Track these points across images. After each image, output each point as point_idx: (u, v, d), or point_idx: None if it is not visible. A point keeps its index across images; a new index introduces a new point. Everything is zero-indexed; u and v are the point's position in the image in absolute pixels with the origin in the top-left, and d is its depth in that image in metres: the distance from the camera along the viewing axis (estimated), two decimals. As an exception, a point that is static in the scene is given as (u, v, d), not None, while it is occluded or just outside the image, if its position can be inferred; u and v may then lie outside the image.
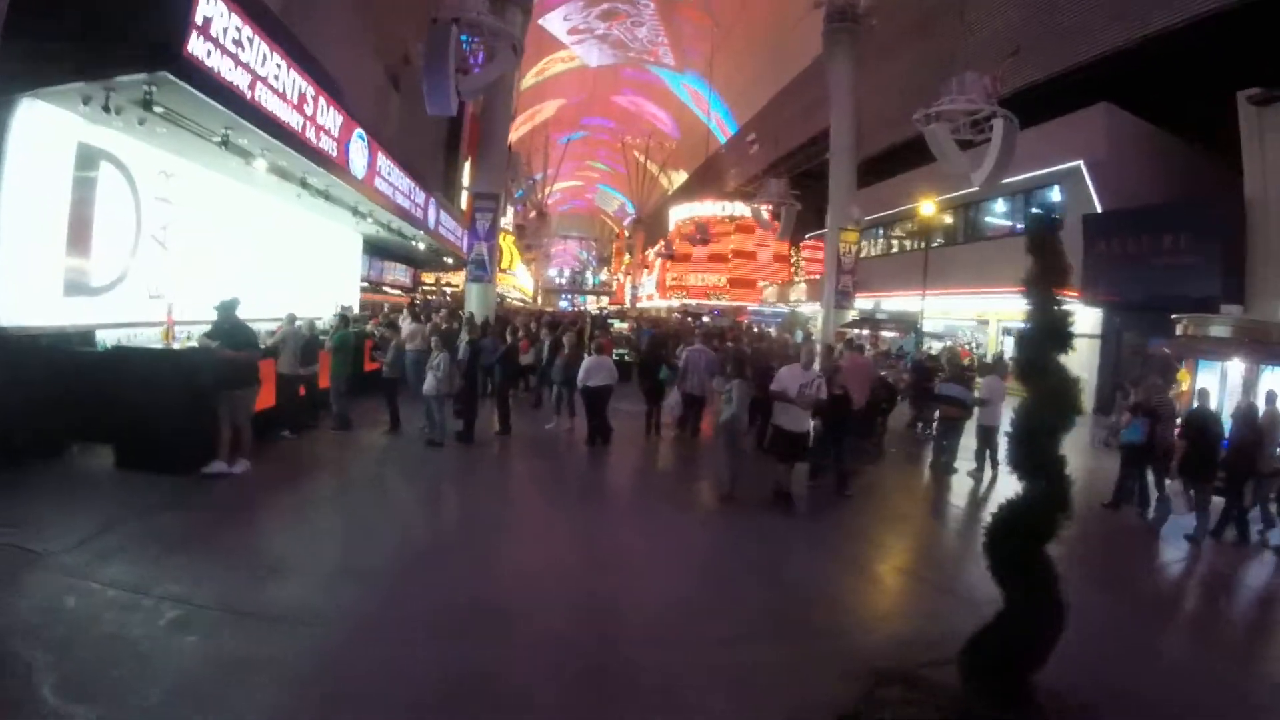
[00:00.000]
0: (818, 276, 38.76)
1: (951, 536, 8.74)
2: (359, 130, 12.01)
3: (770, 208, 32.10)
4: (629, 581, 6.26)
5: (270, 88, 8.76)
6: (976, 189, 24.76)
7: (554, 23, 48.21)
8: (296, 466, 9.24)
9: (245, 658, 4.27)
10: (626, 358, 17.44)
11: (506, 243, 50.73)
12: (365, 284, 22.66)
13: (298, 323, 10.80)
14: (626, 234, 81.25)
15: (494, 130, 23.46)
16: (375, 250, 22.18)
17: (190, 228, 10.68)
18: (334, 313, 13.33)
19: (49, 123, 7.72)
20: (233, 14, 7.65)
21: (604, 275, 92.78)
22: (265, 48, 8.50)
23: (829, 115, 27.52)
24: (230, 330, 8.21)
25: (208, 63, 7.30)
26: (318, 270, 16.59)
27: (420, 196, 17.17)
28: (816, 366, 8.73)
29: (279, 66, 8.93)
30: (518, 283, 59.74)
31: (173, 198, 10.22)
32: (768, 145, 46.42)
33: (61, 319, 8.23)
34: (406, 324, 14.43)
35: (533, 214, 59.66)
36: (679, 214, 58.35)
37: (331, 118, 10.78)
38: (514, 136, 52.34)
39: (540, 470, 10.23)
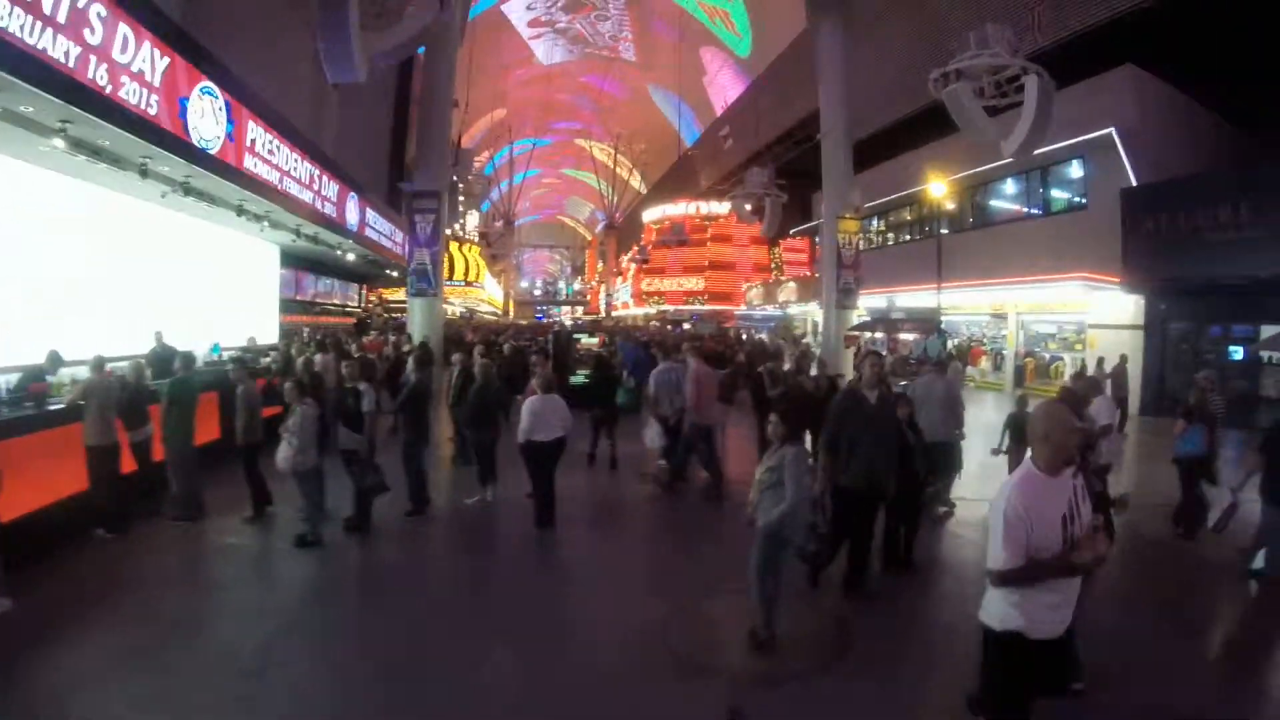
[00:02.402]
0: (807, 275, 35.81)
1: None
2: (205, 84, 8.75)
3: (752, 203, 29.23)
4: None
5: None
6: (984, 168, 22.37)
7: (516, 11, 45.06)
8: (83, 596, 5.90)
9: None
10: (585, 379, 13.29)
11: (470, 253, 47.54)
12: (305, 304, 19.36)
13: (113, 367, 7.55)
14: (599, 241, 78.13)
15: (432, 118, 20.16)
16: (308, 265, 18.87)
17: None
18: (152, 348, 9.37)
19: None
20: None
21: (577, 285, 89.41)
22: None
23: (814, 99, 24.59)
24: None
25: None
26: (214, 291, 13.28)
27: (332, 189, 13.93)
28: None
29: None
30: (487, 294, 56.33)
31: None
32: (745, 139, 43.52)
33: None
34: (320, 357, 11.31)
35: (498, 222, 56.44)
36: (652, 215, 55.40)
37: (145, 55, 7.55)
38: (470, 139, 49.28)
39: (454, 593, 6.44)
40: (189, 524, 7.63)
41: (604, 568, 6.99)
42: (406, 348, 15.76)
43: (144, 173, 8.78)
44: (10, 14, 5.78)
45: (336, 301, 24.49)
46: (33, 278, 8.71)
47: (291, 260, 17.72)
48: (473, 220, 51.14)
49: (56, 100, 6.47)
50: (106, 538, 7.07)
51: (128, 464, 7.56)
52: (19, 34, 5.87)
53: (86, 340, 8.40)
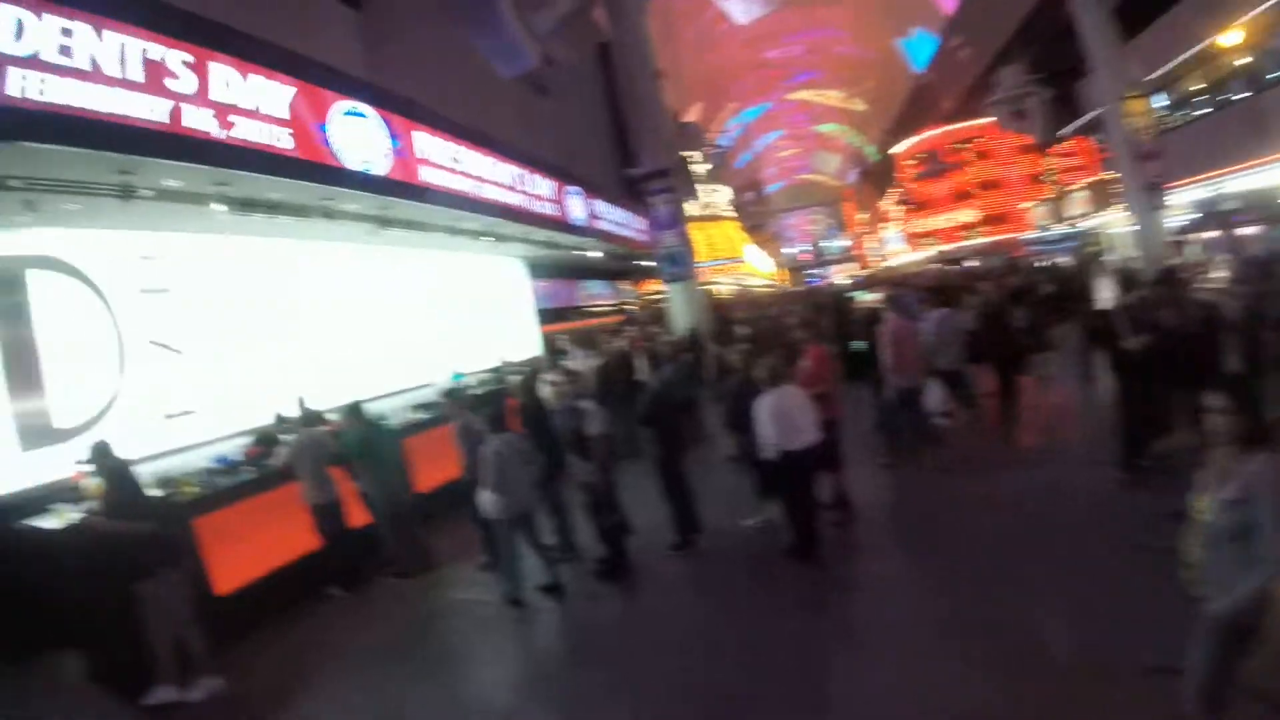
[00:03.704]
0: (1093, 179, 28.64)
1: None
2: (346, 105, 8.10)
3: (1013, 107, 24.23)
4: None
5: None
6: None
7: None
8: (304, 665, 5.49)
9: None
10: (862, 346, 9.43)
11: (725, 229, 46.24)
12: (563, 311, 19.22)
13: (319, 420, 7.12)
14: (855, 191, 72.21)
15: (637, 93, 18.83)
16: (558, 272, 18.64)
17: (221, 315, 8.26)
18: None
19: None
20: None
21: (842, 241, 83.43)
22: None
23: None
24: (117, 487, 5.15)
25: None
26: (466, 317, 13.27)
27: (546, 187, 13.14)
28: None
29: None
30: (754, 267, 54.54)
31: (171, 284, 7.77)
32: (982, 41, 36.15)
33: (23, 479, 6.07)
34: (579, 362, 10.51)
35: (749, 193, 54.46)
36: (903, 148, 49.07)
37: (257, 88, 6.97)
38: (697, 114, 47.86)
39: (730, 657, 4.77)
40: (414, 578, 6.94)
41: (925, 621, 4.83)
42: (668, 339, 14.56)
43: (328, 214, 8.45)
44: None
45: (597, 304, 24.27)
46: (272, 339, 8.81)
47: (541, 270, 17.45)
48: (722, 196, 49.59)
49: (171, 162, 6.03)
50: (343, 596, 6.78)
51: (356, 518, 7.13)
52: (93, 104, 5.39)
53: (337, 392, 8.34)
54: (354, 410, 7.20)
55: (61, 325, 6.58)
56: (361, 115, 8.30)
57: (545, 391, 7.48)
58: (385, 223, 9.40)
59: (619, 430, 6.75)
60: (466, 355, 12.45)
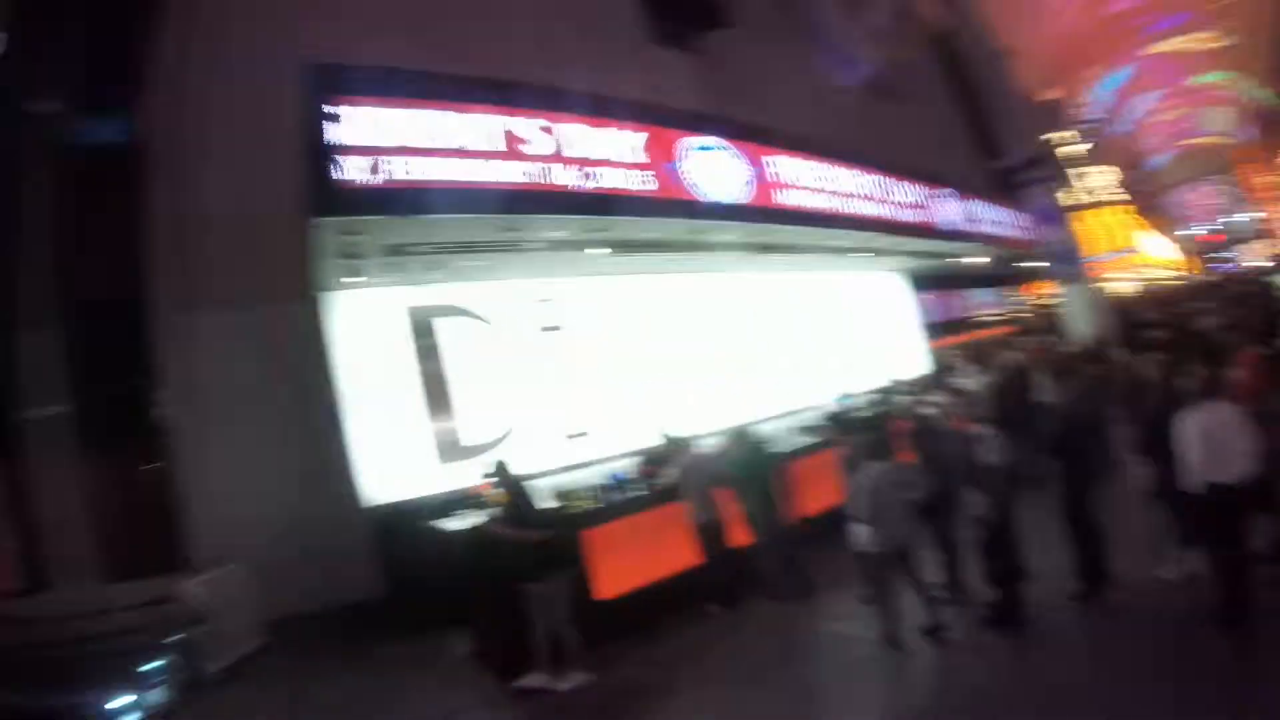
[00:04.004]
0: None
1: None
2: (696, 141, 8.38)
3: None
4: None
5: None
6: None
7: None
8: (668, 674, 5.68)
9: None
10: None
11: (1111, 216, 39.70)
12: (952, 324, 17.98)
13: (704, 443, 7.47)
14: (1257, 149, 56.15)
15: (985, 79, 17.01)
16: (943, 282, 17.47)
17: (611, 346, 9.36)
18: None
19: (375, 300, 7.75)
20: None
21: (1252, 213, 65.05)
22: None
23: None
24: (514, 498, 5.85)
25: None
26: (853, 337, 13.10)
27: (911, 194, 12.32)
28: None
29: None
30: (1152, 257, 45.88)
31: (564, 322, 9.00)
32: None
33: (434, 486, 7.70)
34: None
35: (1131, 171, 46.19)
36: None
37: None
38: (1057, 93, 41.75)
39: None
40: (790, 604, 6.65)
41: None
42: (1065, 348, 12.64)
43: (700, 247, 8.84)
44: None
45: (986, 313, 22.13)
46: (662, 364, 9.58)
47: (924, 282, 16.37)
48: (1102, 179, 42.75)
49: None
50: (717, 614, 6.76)
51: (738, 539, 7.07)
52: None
53: (723, 415, 8.74)
54: (739, 434, 7.21)
55: (466, 361, 8.08)
56: (712, 149, 8.56)
57: (933, 413, 6.79)
58: (756, 248, 9.54)
59: (1017, 458, 5.76)
60: (853, 375, 12.08)
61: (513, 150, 6.73)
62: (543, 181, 6.84)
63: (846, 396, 11.07)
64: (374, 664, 6.59)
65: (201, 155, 8.01)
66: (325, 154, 5.89)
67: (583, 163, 7.20)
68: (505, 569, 5.60)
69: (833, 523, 7.01)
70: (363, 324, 7.70)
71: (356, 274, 7.17)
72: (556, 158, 7.02)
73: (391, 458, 7.59)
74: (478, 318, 8.29)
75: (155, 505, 7.51)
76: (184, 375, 7.82)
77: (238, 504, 7.67)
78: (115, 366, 7.61)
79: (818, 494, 7.54)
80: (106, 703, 5.48)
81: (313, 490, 7.62)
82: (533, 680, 5.56)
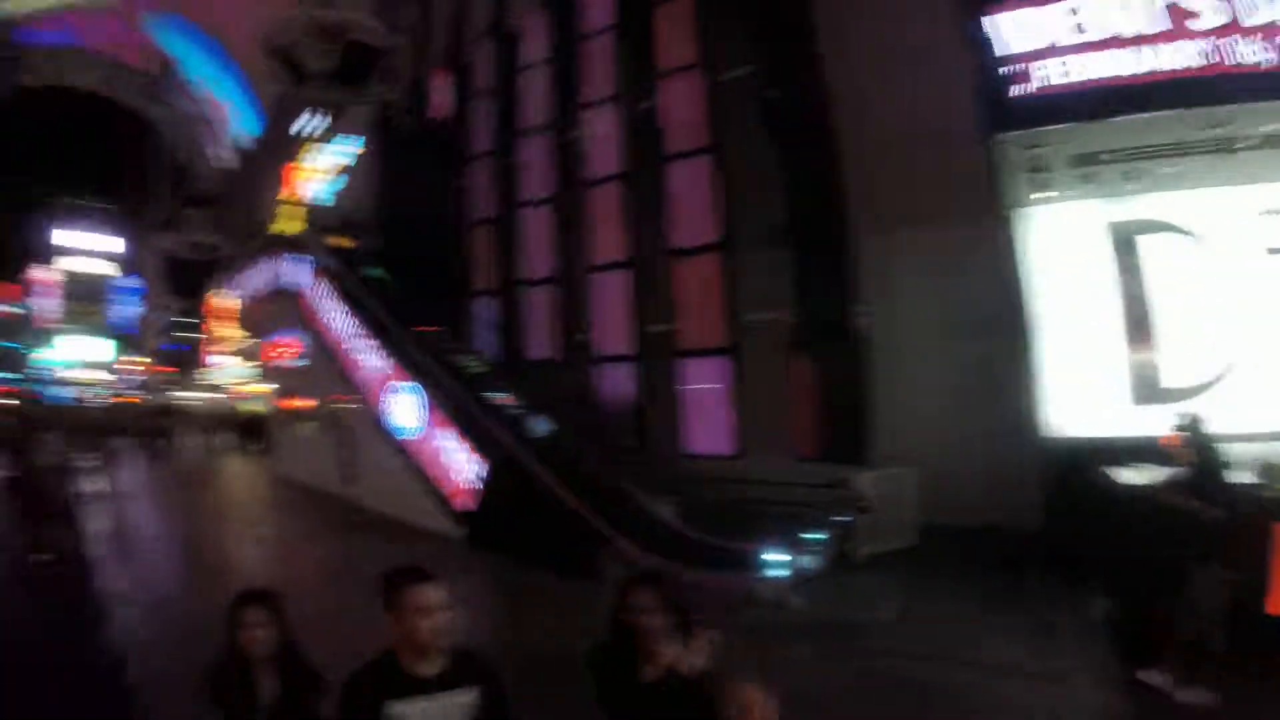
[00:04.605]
0: None
1: None
2: None
3: None
4: None
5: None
6: None
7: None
8: None
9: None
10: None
11: None
12: None
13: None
14: None
15: None
16: None
17: None
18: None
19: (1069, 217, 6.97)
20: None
21: None
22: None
23: None
24: (1198, 462, 4.76)
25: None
26: None
27: None
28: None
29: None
30: None
31: None
32: None
33: (1121, 428, 6.70)
34: None
35: None
36: None
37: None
38: None
39: None
40: None
41: None
42: None
43: None
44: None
45: None
46: None
47: None
48: None
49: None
50: None
51: None
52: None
53: None
54: None
55: (1172, 286, 6.70)
56: None
57: None
58: None
59: None
60: None
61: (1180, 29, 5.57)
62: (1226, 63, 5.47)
63: None
64: (989, 593, 6.35)
65: (878, 86, 8.41)
66: (991, 68, 5.83)
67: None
68: (1169, 541, 4.70)
69: None
70: (1054, 242, 7.04)
71: (1045, 189, 6.72)
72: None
73: (1078, 390, 6.94)
74: (1187, 234, 6.75)
75: (846, 404, 8.64)
76: (880, 292, 8.61)
77: (918, 413, 8.25)
78: (822, 283, 8.81)
79: None
80: (765, 554, 6.62)
81: (990, 411, 7.60)
82: (1154, 677, 4.68)
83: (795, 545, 6.91)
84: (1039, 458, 6.98)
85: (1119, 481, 5.87)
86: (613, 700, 2.19)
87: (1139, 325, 6.81)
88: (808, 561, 6.84)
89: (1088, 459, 6.49)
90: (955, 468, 7.71)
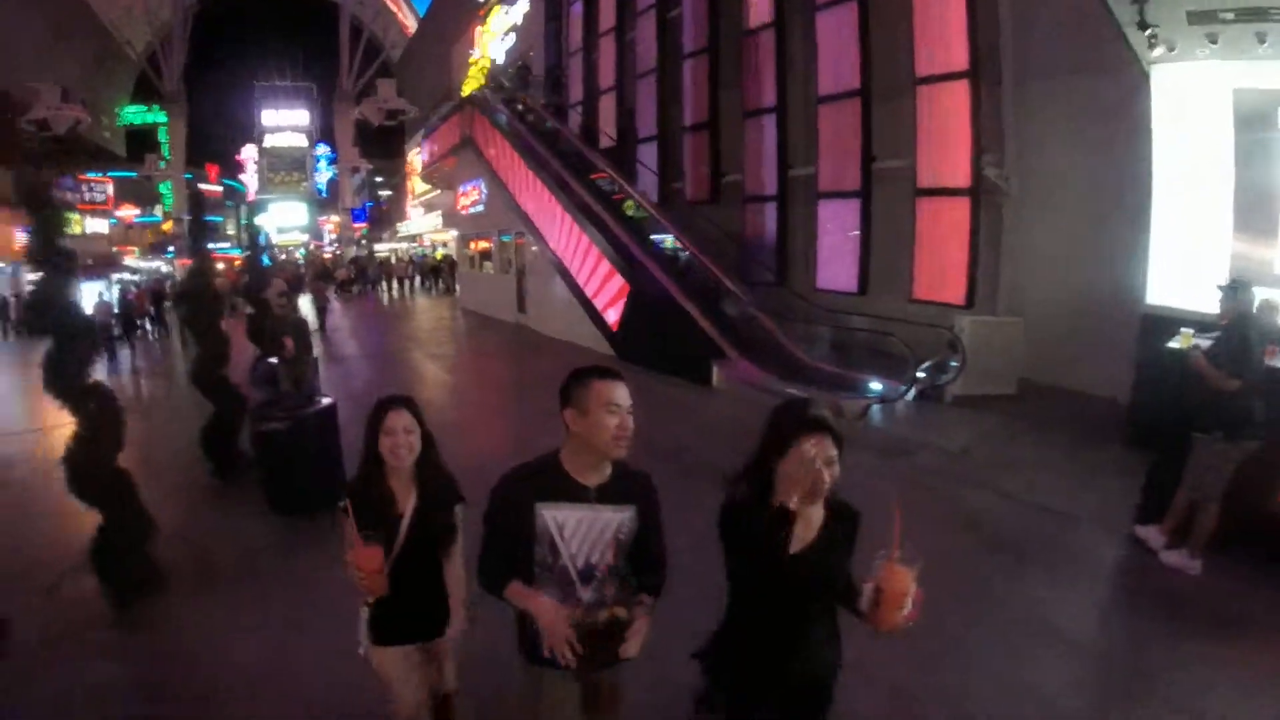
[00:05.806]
0: None
1: None
2: None
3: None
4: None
5: None
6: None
7: None
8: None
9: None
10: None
11: None
12: None
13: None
14: None
15: None
16: None
17: None
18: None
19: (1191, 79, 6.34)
20: None
21: None
22: None
23: None
24: (1231, 331, 4.36)
25: None
26: None
27: None
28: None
29: None
30: None
31: None
32: None
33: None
34: None
35: None
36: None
37: None
38: None
39: None
40: None
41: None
42: None
43: None
44: None
45: None
46: None
47: None
48: None
49: None
50: None
51: None
52: None
53: None
54: None
55: None
56: None
57: None
58: None
59: None
60: None
61: None
62: None
63: None
64: (1057, 444, 6.44)
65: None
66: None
67: None
68: (1185, 405, 4.49)
69: None
70: (1178, 107, 6.43)
71: (1161, 46, 6.16)
72: None
73: (1184, 265, 6.47)
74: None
75: (964, 252, 8.75)
76: (1014, 140, 8.74)
77: (1036, 263, 8.51)
78: (957, 130, 8.79)
79: None
80: (863, 381, 7.77)
81: (1099, 273, 7.56)
82: (1148, 533, 4.70)
83: (891, 376, 7.76)
84: (1134, 327, 6.63)
85: (1167, 346, 5.58)
86: (756, 570, 1.76)
87: (1258, 204, 6.07)
88: (898, 393, 7.62)
89: (1167, 332, 5.93)
90: (1061, 328, 7.89)
